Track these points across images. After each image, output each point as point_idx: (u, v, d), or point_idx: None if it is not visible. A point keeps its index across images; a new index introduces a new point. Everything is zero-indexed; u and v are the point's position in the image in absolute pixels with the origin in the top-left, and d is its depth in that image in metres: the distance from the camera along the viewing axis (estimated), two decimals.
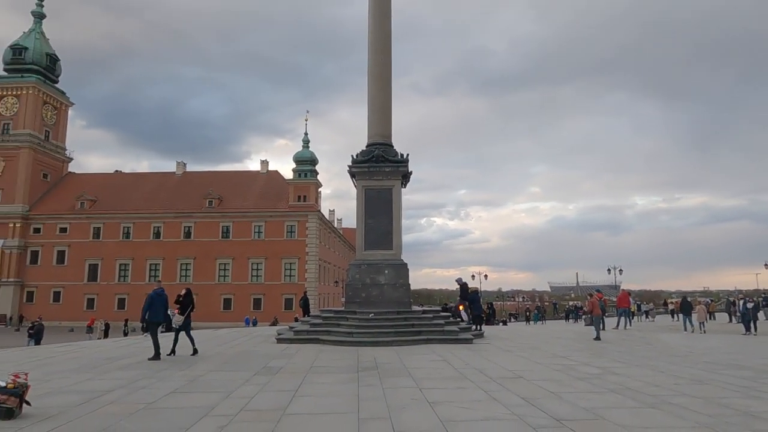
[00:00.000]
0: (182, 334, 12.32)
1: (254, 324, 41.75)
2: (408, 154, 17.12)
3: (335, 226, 77.35)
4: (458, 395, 7.39)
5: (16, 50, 66.88)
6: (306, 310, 23.40)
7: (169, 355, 11.92)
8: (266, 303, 57.42)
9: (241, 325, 42.08)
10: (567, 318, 44.67)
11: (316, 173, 63.25)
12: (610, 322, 24.49)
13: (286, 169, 75.54)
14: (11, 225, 61.32)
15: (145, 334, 11.91)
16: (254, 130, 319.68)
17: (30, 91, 64.55)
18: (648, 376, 9.20)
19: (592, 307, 17.44)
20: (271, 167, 68.14)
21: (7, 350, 18.63)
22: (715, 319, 31.70)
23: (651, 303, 53.67)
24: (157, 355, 11.43)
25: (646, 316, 38.78)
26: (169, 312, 13.12)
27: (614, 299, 38.15)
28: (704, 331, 21.32)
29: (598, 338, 16.33)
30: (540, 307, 51.68)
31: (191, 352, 12.15)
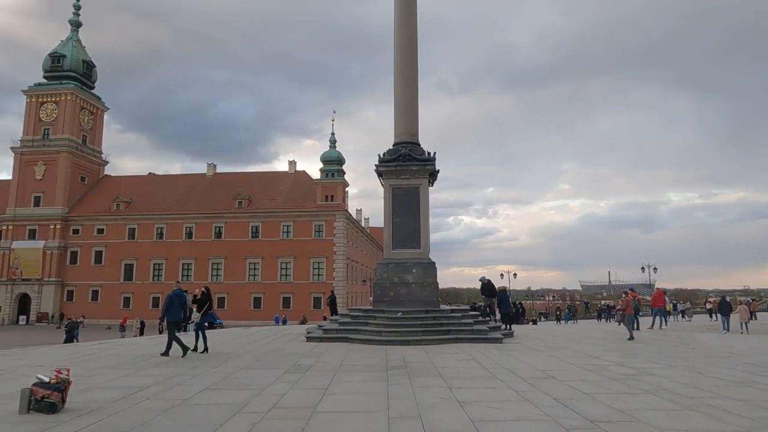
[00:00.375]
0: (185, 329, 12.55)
1: (284, 322, 42.30)
2: (435, 153, 17.05)
3: (362, 225, 77.64)
4: (488, 395, 7.32)
5: (55, 58, 69.44)
6: (333, 309, 23.58)
7: (193, 351, 12.26)
8: (295, 302, 58.10)
9: (271, 323, 42.69)
10: (599, 317, 43.77)
11: (343, 173, 63.63)
12: (645, 321, 23.86)
13: (313, 169, 76.47)
14: (52, 226, 63.75)
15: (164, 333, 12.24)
16: (282, 131, 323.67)
17: (68, 98, 66.95)
18: (685, 377, 8.93)
19: (626, 305, 17.02)
20: (299, 167, 69.00)
21: (48, 347, 19.39)
22: (756, 318, 30.53)
23: (688, 302, 52.08)
24: (166, 353, 11.75)
25: (683, 316, 37.67)
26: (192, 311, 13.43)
27: (649, 298, 37.16)
28: (747, 332, 20.55)
29: (631, 338, 15.95)
30: (571, 306, 50.74)
31: (201, 350, 12.39)
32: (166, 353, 11.71)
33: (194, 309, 13.04)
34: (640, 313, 24.82)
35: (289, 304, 58.08)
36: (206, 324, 13.21)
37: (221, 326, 30.31)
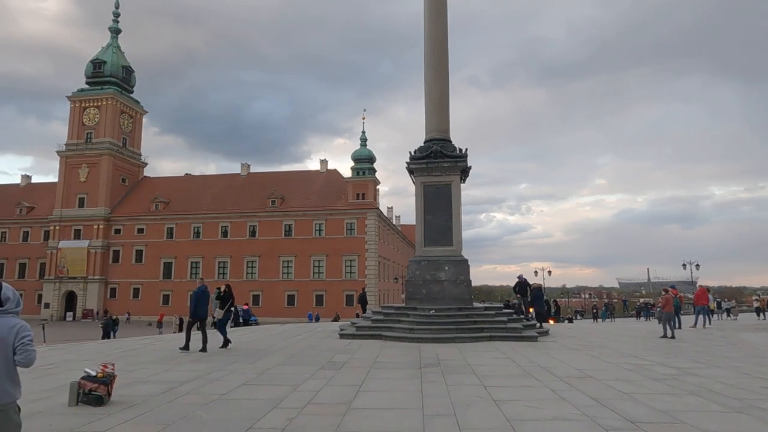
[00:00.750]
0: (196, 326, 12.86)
1: (316, 319, 42.80)
2: (467, 149, 16.89)
3: (393, 223, 77.70)
4: (524, 393, 7.22)
5: (96, 64, 72.12)
6: (364, 307, 23.71)
7: (222, 347, 12.62)
8: (328, 299, 58.67)
9: (304, 320, 43.26)
10: (638, 315, 42.55)
11: (374, 171, 63.79)
12: (687, 320, 23.05)
13: (344, 167, 76.91)
14: (95, 227, 66.31)
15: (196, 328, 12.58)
16: (313, 130, 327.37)
17: (109, 102, 69.43)
18: (732, 378, 8.58)
19: (665, 303, 16.48)
20: (330, 166, 69.59)
21: (93, 342, 20.18)
22: None
23: (733, 300, 50.01)
24: (204, 348, 12.11)
25: (728, 315, 36.18)
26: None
27: (691, 296, 35.86)
28: None
29: (671, 336, 15.46)
30: (608, 304, 49.47)
31: (221, 345, 12.74)
32: (204, 349, 12.07)
33: (217, 306, 13.40)
34: (682, 312, 23.96)
35: (322, 302, 58.69)
36: (229, 320, 13.56)
37: (256, 323, 30.91)
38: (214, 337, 13.30)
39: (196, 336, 12.35)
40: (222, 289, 13.57)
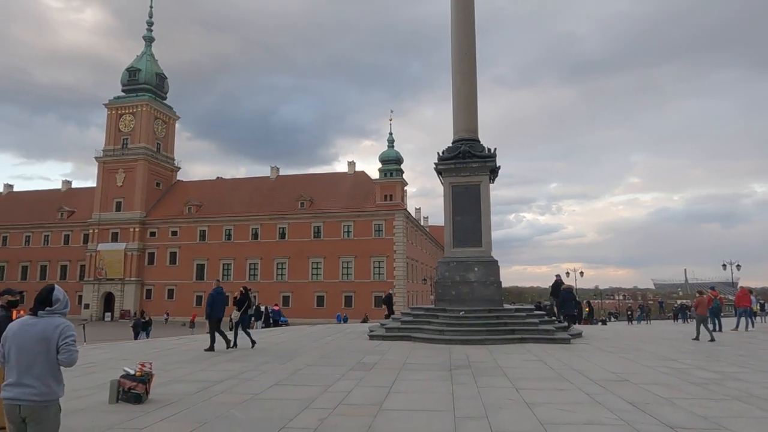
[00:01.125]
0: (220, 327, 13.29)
1: (345, 321, 43.02)
2: (495, 149, 16.72)
3: (421, 224, 77.48)
4: (557, 397, 7.09)
5: (131, 72, 74.45)
6: (390, 308, 23.67)
7: (231, 347, 13.00)
8: (357, 300, 58.92)
9: (333, 321, 43.55)
10: (675, 318, 41.22)
11: (402, 172, 63.77)
12: (729, 323, 22.20)
13: (372, 169, 77.26)
14: (132, 230, 68.39)
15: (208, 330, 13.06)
16: (341, 132, 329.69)
17: (144, 109, 71.56)
18: None
19: (697, 304, 15.92)
20: (358, 168, 69.87)
21: (132, 342, 20.80)
22: None
23: None
24: (229, 346, 12.64)
25: None
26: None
27: (732, 298, 34.56)
28: None
29: (710, 339, 14.95)
30: (644, 306, 48.08)
31: (251, 345, 13.13)
32: (229, 346, 12.69)
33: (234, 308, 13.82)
34: (723, 314, 23.11)
35: (351, 303, 58.98)
36: (247, 320, 14.05)
37: (286, 324, 31.31)
38: (243, 339, 13.55)
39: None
40: (239, 292, 14.01)
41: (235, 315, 13.64)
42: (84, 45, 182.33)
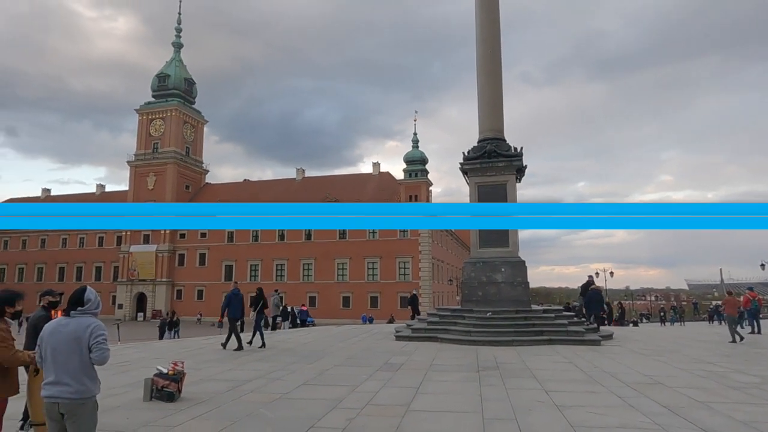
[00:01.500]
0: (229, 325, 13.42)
1: (370, 321, 43.11)
2: (522, 148, 16.51)
3: None
4: (588, 399, 6.95)
5: (161, 78, 76.31)
6: (415, 309, 23.60)
7: (248, 344, 13.40)
8: (382, 301, 58.96)
9: (359, 322, 43.69)
10: (710, 319, 39.93)
11: (427, 172, 63.58)
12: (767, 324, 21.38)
13: (397, 169, 77.15)
14: (162, 232, 70.06)
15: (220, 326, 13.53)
16: (365, 134, 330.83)
17: (173, 113, 73.26)
18: None
19: (725, 304, 15.40)
20: (383, 169, 70.04)
21: (164, 341, 21.28)
22: None
23: None
24: (240, 346, 12.93)
25: None
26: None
27: None
28: None
29: (739, 340, 14.50)
30: (677, 307, 46.68)
31: (260, 345, 13.46)
32: (241, 347, 12.94)
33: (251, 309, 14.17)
34: (761, 315, 22.27)
35: (377, 304, 59.05)
36: (262, 321, 14.53)
37: (313, 324, 31.56)
38: (266, 338, 13.82)
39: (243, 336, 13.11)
40: (255, 292, 14.41)
41: (253, 315, 13.96)
42: (116, 53, 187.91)
